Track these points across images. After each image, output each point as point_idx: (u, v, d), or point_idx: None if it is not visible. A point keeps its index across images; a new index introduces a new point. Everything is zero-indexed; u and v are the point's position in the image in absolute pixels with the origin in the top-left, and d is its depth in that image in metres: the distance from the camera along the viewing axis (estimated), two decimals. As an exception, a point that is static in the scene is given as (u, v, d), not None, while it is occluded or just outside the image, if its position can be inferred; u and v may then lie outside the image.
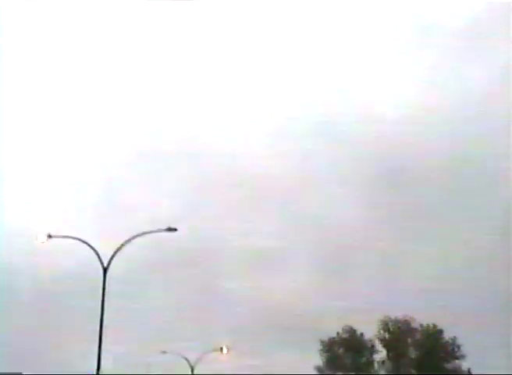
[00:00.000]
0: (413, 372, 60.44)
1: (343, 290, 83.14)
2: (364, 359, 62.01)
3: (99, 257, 27.95)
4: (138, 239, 29.99)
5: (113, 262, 29.59)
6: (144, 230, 29.86)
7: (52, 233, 28.95)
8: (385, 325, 61.56)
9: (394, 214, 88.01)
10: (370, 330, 62.45)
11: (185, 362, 49.46)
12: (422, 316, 61.53)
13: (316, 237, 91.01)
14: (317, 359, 62.66)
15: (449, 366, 59.95)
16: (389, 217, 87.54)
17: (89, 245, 28.43)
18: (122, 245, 28.74)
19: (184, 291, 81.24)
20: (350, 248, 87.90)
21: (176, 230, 29.02)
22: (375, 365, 61.84)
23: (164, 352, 48.79)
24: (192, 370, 49.07)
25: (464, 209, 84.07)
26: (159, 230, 29.34)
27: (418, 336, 61.44)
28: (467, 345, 59.44)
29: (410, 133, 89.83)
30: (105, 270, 27.79)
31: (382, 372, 61.47)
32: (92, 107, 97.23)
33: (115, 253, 28.35)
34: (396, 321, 61.62)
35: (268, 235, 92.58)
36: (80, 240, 28.99)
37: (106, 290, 28.23)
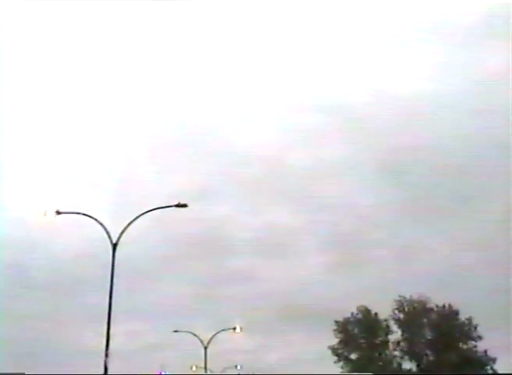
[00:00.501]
0: (428, 352, 59.83)
1: (357, 272, 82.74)
2: (378, 340, 61.05)
3: (108, 233, 27.42)
4: (151, 218, 29.51)
5: (125, 240, 29.19)
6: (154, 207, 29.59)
7: (61, 210, 28.62)
8: (401, 305, 60.69)
9: (407, 198, 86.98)
10: (385, 311, 61.61)
11: (197, 341, 49.16)
12: (438, 296, 60.79)
13: (330, 219, 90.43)
14: (331, 340, 61.95)
15: (464, 347, 59.13)
16: (401, 202, 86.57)
17: (97, 221, 27.93)
18: (132, 221, 28.23)
19: (197, 271, 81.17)
20: (364, 232, 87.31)
21: (186, 205, 28.37)
22: (390, 345, 61.03)
23: (175, 331, 48.60)
24: (205, 349, 48.83)
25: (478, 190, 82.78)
26: (169, 206, 28.78)
27: (434, 316, 60.50)
28: (483, 326, 58.64)
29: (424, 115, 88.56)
30: (115, 246, 27.30)
31: (397, 352, 60.92)
32: (106, 85, 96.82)
33: (125, 229, 27.79)
34: (412, 301, 60.63)
35: (283, 217, 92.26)
36: (88, 216, 28.51)
37: (117, 268, 27.87)
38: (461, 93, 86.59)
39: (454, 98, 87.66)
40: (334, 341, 61.91)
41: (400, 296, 60.88)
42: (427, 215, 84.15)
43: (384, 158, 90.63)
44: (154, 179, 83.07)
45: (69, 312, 68.24)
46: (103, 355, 25.13)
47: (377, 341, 61.27)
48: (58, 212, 28.43)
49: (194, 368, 55.59)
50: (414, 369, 59.58)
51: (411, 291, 60.83)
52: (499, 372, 57.25)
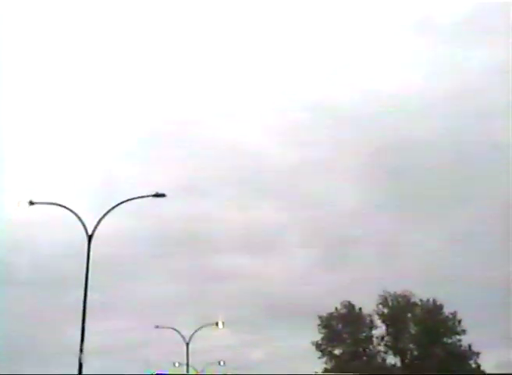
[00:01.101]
0: (412, 347, 59.52)
1: (342, 268, 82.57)
2: (363, 335, 60.56)
3: (83, 224, 26.39)
4: (134, 213, 28.72)
5: (107, 236, 28.18)
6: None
7: (34, 200, 27.59)
8: (385, 300, 60.18)
9: (394, 196, 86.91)
10: (369, 306, 61.15)
11: (180, 338, 48.37)
12: (422, 292, 60.49)
13: (314, 216, 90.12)
14: (315, 335, 61.39)
15: (449, 341, 58.86)
16: (386, 199, 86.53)
17: (72, 212, 26.91)
18: (109, 211, 27.27)
19: (182, 268, 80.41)
20: (349, 228, 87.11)
21: (164, 195, 27.45)
22: (374, 340, 60.54)
23: (157, 327, 47.77)
24: (187, 345, 48.02)
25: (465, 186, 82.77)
26: (147, 196, 27.81)
27: (418, 311, 60.16)
28: (467, 321, 58.46)
29: (410, 114, 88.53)
30: (90, 238, 26.32)
31: (381, 347, 60.57)
32: (89, 77, 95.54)
33: (101, 219, 26.82)
34: (396, 296, 60.21)
35: (268, 213, 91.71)
36: (63, 206, 27.47)
37: (99, 264, 26.87)
38: (450, 90, 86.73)
39: (443, 95, 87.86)
40: (318, 336, 61.41)
41: (384, 291, 60.52)
42: (412, 212, 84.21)
43: (370, 156, 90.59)
44: (138, 174, 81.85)
45: (51, 309, 66.99)
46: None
47: (361, 336, 60.79)
48: (32, 203, 27.33)
49: (177, 364, 54.82)
50: (399, 364, 59.20)
51: (396, 287, 60.63)
52: (483, 366, 57.24)
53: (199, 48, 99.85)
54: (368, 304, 61.03)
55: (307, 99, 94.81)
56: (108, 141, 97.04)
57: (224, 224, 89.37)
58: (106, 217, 27.19)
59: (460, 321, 58.50)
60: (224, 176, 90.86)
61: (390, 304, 60.23)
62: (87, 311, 24.63)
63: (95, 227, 26.54)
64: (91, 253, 26.29)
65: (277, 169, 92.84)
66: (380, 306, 60.50)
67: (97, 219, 26.86)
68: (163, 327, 48.51)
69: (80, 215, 26.74)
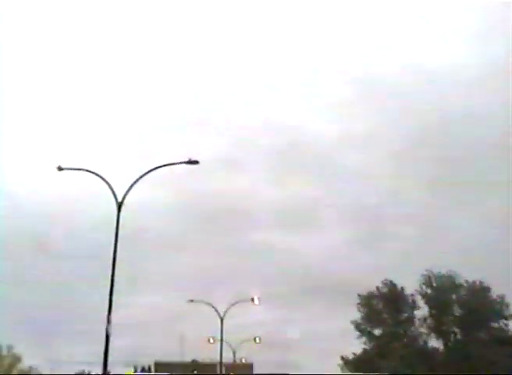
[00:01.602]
0: (456, 330, 57.18)
1: (381, 246, 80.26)
2: (404, 316, 58.42)
3: (112, 190, 25.27)
4: (171, 187, 27.52)
5: (139, 205, 27.02)
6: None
7: (63, 166, 26.55)
8: (428, 280, 57.66)
9: (434, 173, 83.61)
10: (411, 286, 58.89)
11: (216, 313, 47.44)
12: (467, 275, 57.76)
13: (353, 192, 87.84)
14: (354, 314, 59.63)
15: (495, 325, 56.22)
16: (428, 177, 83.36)
17: (102, 178, 25.78)
18: (140, 178, 26.02)
19: (217, 243, 79.65)
20: (389, 206, 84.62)
21: (197, 162, 26.08)
22: (416, 322, 58.32)
23: (191, 301, 46.88)
24: (221, 321, 47.09)
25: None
26: (179, 163, 26.44)
27: (463, 293, 57.60)
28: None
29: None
30: (120, 206, 25.14)
31: (423, 329, 58.39)
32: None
33: (131, 187, 25.62)
34: (440, 276, 57.58)
35: (305, 189, 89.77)
36: (92, 172, 26.34)
37: (134, 237, 25.78)
38: (498, 64, 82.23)
39: (492, 69, 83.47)
40: (357, 315, 59.81)
41: (427, 270, 57.90)
42: (454, 189, 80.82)
43: (412, 131, 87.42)
44: (174, 145, 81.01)
45: (86, 281, 67.22)
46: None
47: (402, 317, 58.68)
48: (60, 168, 26.44)
49: (211, 340, 54.32)
50: (441, 347, 57.01)
51: (438, 268, 57.89)
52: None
53: (235, 23, 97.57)
54: (409, 284, 59.08)
55: (348, 72, 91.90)
56: (143, 110, 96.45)
57: (261, 199, 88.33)
58: (141, 188, 26.15)
59: (508, 305, 55.70)
60: (261, 150, 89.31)
61: (434, 284, 57.80)
62: (119, 284, 23.77)
63: (125, 195, 25.46)
64: (123, 222, 25.24)
65: (315, 142, 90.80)
66: (423, 286, 58.17)
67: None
68: (198, 302, 47.68)
69: (111, 183, 25.60)
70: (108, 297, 23.15)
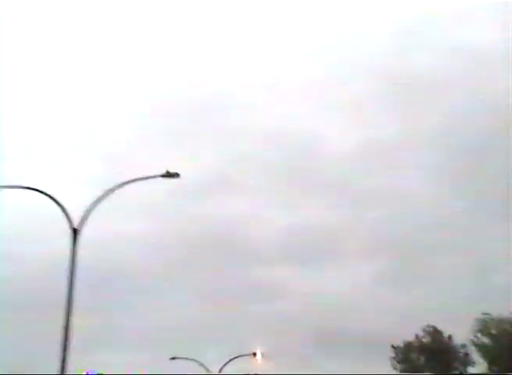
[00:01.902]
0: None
1: (418, 283, 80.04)
2: (455, 373, 58.72)
3: (66, 213, 24.92)
4: (152, 214, 27.11)
5: (118, 242, 26.59)
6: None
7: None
8: (484, 325, 57.70)
9: (484, 192, 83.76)
10: (462, 334, 59.42)
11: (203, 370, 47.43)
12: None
13: (380, 216, 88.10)
14: (387, 372, 60.60)
15: None
16: (478, 194, 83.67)
17: (52, 198, 25.15)
18: (105, 196, 25.60)
19: (208, 282, 79.24)
20: (427, 232, 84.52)
21: (177, 175, 26.11)
22: (471, 381, 58.59)
23: (173, 358, 46.80)
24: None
25: None
26: (154, 176, 26.29)
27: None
28: None
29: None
30: (75, 232, 24.65)
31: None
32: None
33: (91, 208, 25.25)
34: (500, 321, 57.54)
35: (319, 213, 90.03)
36: (41, 192, 25.63)
37: (104, 279, 25.32)
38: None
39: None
40: (392, 373, 60.60)
41: (483, 313, 57.96)
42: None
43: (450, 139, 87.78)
44: (154, 161, 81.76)
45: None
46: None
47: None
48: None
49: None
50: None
51: (494, 310, 58.06)
52: None
53: (240, 18, 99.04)
54: (460, 331, 59.81)
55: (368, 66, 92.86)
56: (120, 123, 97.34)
57: (266, 226, 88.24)
58: (114, 219, 25.88)
59: None
60: (264, 166, 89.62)
61: (493, 331, 57.53)
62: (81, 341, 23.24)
63: (83, 218, 25.15)
64: (90, 262, 25.01)
65: (331, 155, 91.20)
66: (479, 334, 58.20)
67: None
68: (183, 358, 47.63)
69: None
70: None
